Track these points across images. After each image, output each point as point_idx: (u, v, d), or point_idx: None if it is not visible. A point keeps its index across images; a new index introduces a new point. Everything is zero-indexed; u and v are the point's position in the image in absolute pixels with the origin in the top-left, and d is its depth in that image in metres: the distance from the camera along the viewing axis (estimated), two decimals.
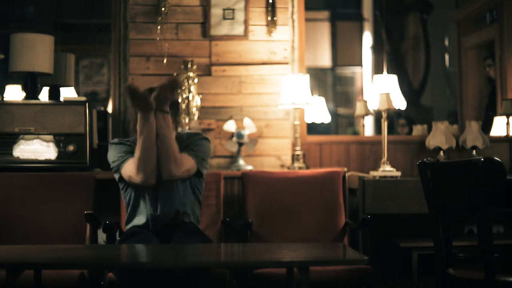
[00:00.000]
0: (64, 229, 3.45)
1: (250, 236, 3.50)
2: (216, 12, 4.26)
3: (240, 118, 4.17)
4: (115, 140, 3.16)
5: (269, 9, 4.27)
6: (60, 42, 4.17)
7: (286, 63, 4.29)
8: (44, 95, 4.15)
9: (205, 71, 4.23)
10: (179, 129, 3.30)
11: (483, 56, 5.68)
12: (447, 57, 7.05)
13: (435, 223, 2.73)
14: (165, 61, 4.19)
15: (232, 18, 4.27)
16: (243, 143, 4.07)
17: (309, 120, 5.16)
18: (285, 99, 4.05)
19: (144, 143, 2.92)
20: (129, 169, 2.98)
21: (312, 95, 4.23)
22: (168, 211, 3.04)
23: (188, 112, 4.12)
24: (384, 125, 4.10)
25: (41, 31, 3.87)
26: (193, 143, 3.10)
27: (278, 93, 4.20)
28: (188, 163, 3.02)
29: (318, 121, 6.30)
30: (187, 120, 4.08)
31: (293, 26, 4.44)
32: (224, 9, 4.27)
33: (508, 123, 4.52)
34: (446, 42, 7.04)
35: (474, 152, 4.19)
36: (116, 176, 3.09)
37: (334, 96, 7.44)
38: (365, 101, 4.75)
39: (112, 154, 3.08)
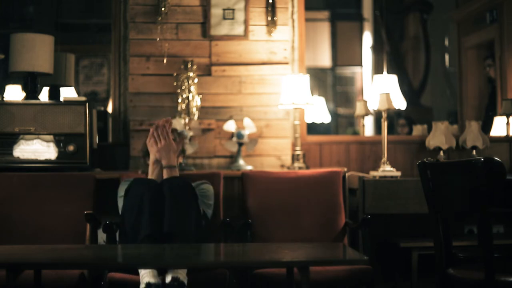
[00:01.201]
0: (64, 229, 3.45)
1: (250, 236, 3.50)
2: (216, 12, 4.26)
3: (240, 118, 4.17)
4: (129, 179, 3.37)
5: (269, 9, 4.27)
6: (60, 42, 4.17)
7: (286, 63, 4.29)
8: (44, 95, 4.15)
9: (205, 71, 4.23)
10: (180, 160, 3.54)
11: (483, 56, 5.68)
12: (447, 57, 7.05)
13: (435, 223, 2.73)
14: (165, 61, 4.20)
15: (232, 18, 4.27)
16: (243, 143, 4.07)
17: (309, 120, 5.16)
18: (285, 99, 4.05)
19: None
20: None
21: (312, 95, 4.23)
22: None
23: (188, 112, 4.12)
24: (384, 125, 4.10)
25: (41, 31, 3.87)
26: (207, 196, 3.40)
27: (278, 93, 4.20)
28: None
29: (318, 121, 6.30)
30: (187, 120, 4.08)
31: (293, 26, 4.44)
32: (224, 9, 4.27)
33: (508, 123, 4.52)
34: (446, 42, 7.04)
35: (474, 152, 4.19)
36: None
37: (334, 96, 7.43)
38: (365, 101, 4.74)
39: (121, 188, 3.32)
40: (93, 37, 5.81)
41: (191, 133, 4.01)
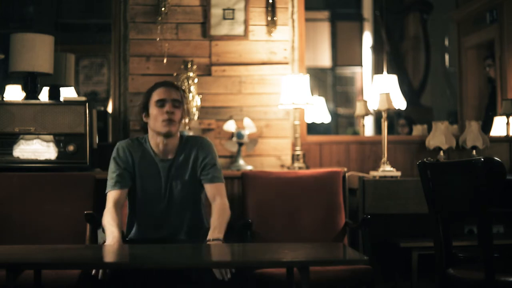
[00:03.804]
0: (64, 229, 3.45)
1: (250, 236, 3.49)
2: (216, 12, 4.26)
3: (240, 118, 4.17)
4: (119, 150, 3.12)
5: (269, 9, 4.27)
6: (60, 42, 4.16)
7: (286, 63, 4.29)
8: (44, 95, 4.15)
9: (205, 71, 4.23)
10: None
11: (483, 56, 5.68)
12: (447, 57, 7.05)
13: (435, 223, 2.73)
14: (165, 61, 4.20)
15: (232, 18, 4.27)
16: (243, 143, 4.07)
17: (309, 120, 5.16)
18: (285, 99, 4.05)
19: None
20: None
21: (312, 95, 4.23)
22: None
23: (188, 112, 4.12)
24: (384, 125, 4.10)
25: (41, 31, 3.87)
26: (209, 163, 3.13)
27: (278, 93, 4.20)
28: (223, 191, 3.12)
29: (318, 121, 6.30)
30: (187, 120, 4.08)
31: (293, 26, 4.44)
32: (224, 9, 4.27)
33: (508, 123, 4.52)
34: (446, 42, 7.04)
35: (474, 152, 4.19)
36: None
37: (334, 96, 7.43)
38: (365, 101, 4.75)
39: (110, 171, 3.09)
40: (93, 37, 5.82)
41: (191, 133, 4.01)
